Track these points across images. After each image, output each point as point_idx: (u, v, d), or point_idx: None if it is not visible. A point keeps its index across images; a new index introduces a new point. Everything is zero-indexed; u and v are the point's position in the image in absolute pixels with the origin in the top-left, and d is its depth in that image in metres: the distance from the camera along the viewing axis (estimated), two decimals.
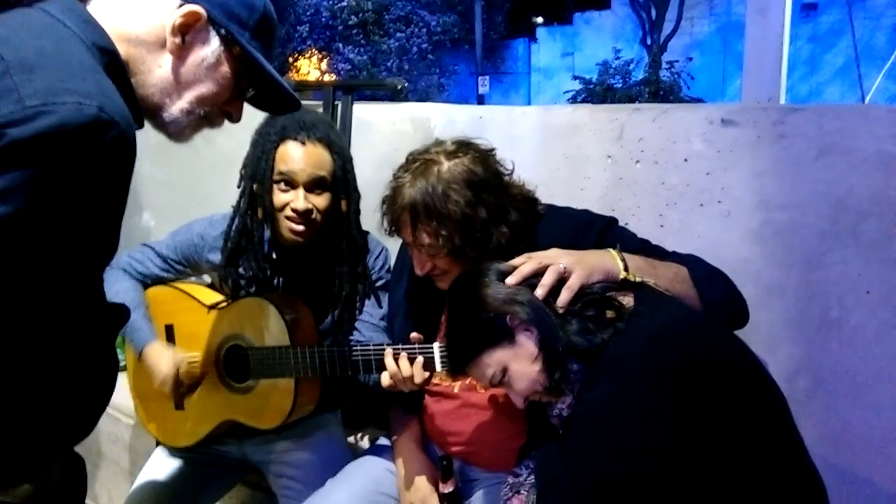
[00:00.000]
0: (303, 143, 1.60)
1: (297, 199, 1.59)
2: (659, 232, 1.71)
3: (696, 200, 1.69)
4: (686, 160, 1.70)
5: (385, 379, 1.43)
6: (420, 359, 1.41)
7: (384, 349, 1.46)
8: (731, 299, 1.33)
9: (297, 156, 1.60)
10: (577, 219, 1.47)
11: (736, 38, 13.85)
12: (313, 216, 1.61)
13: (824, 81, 14.36)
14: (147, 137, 1.00)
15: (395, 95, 2.35)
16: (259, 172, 1.61)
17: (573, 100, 14.86)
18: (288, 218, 1.61)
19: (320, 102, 2.21)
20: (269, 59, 1.08)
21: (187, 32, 0.99)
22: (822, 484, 1.14)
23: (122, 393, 1.85)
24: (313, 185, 1.61)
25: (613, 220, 1.46)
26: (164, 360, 1.66)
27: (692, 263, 1.33)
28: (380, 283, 1.75)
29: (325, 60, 16.30)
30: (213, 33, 1.02)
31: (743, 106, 1.75)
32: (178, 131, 1.05)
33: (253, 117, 1.63)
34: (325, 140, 1.62)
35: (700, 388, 1.06)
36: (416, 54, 16.34)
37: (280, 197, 1.61)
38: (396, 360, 1.42)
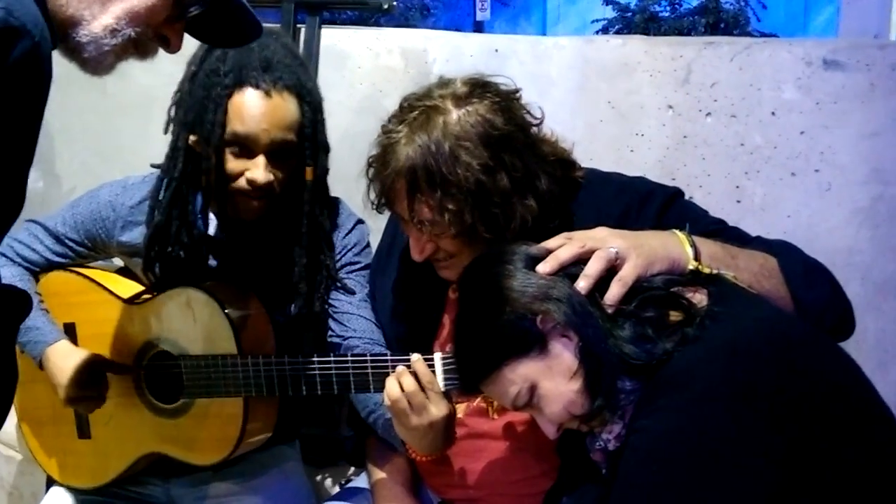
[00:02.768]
0: (267, 94, 1.57)
1: (257, 169, 1.58)
2: (735, 209, 1.73)
3: (786, 168, 1.72)
4: (774, 114, 1.73)
5: (386, 403, 1.43)
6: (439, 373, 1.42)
7: (365, 360, 1.49)
8: (835, 301, 1.36)
9: (258, 111, 1.57)
10: (630, 189, 1.49)
11: None
12: (273, 188, 1.62)
13: None
14: None
15: (376, 16, 2.36)
16: (205, 127, 1.59)
17: (604, 32, 14.80)
18: (240, 191, 1.61)
19: (276, 25, 2.21)
20: None
21: None
22: None
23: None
24: (276, 151, 1.60)
25: (679, 192, 1.48)
26: (74, 361, 1.64)
27: (784, 253, 1.36)
28: (353, 267, 1.76)
29: None
30: None
31: (853, 42, 1.78)
32: (97, 57, 1.04)
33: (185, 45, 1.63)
34: (294, 86, 1.60)
35: (797, 415, 1.09)
36: None
37: (232, 163, 1.60)
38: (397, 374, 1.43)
